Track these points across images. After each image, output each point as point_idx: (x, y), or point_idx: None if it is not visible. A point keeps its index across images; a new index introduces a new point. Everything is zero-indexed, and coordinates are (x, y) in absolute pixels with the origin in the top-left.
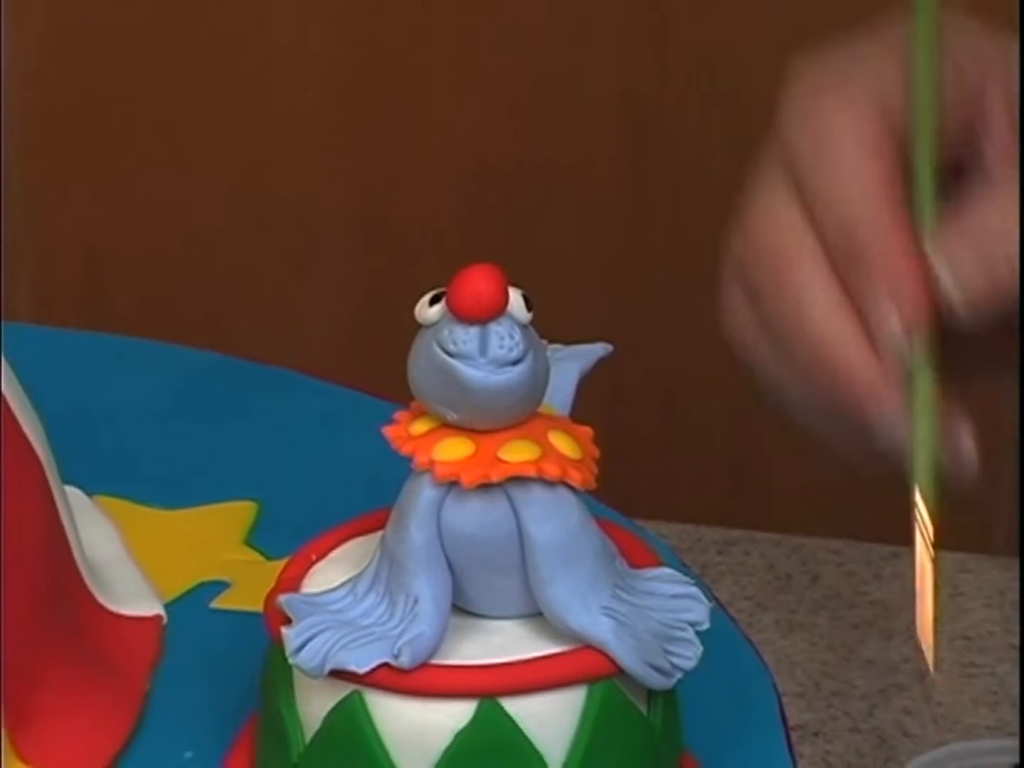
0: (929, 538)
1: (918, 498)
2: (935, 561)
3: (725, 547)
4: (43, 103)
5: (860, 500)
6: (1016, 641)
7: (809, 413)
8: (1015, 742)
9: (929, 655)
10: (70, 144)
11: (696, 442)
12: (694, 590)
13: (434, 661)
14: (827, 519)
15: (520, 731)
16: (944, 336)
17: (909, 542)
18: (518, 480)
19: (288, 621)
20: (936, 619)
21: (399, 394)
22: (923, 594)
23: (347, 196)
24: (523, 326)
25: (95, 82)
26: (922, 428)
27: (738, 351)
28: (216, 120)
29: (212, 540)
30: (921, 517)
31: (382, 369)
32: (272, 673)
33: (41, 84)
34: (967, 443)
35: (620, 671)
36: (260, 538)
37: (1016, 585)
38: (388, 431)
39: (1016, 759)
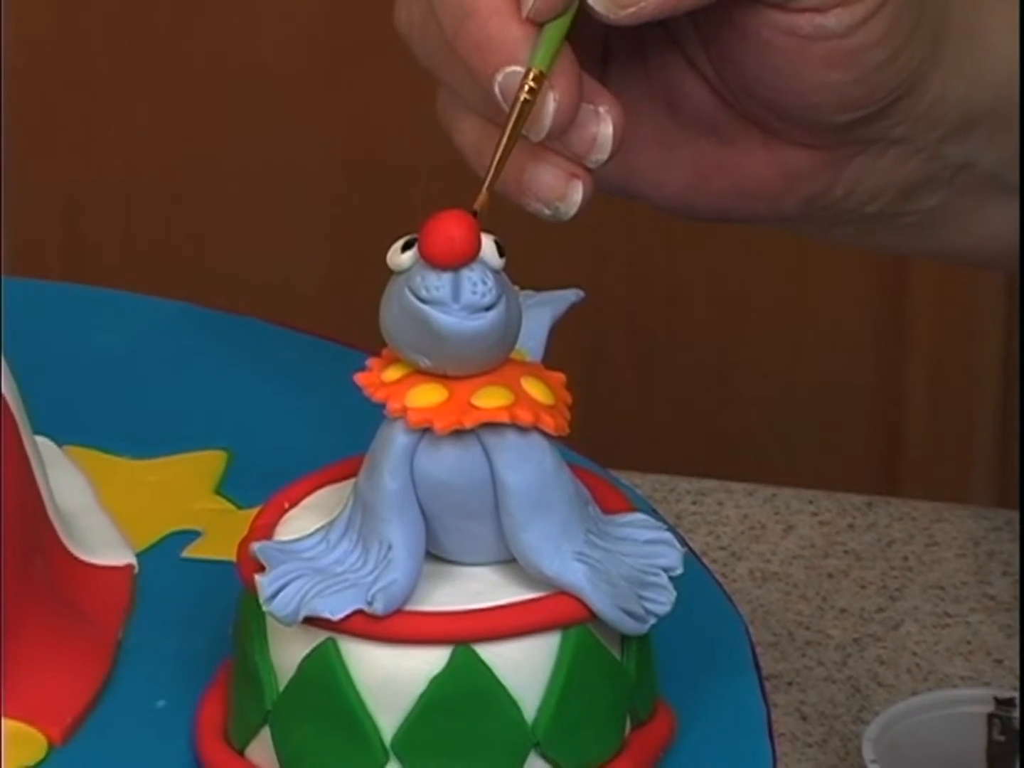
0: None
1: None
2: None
3: (699, 497)
4: (23, 55)
5: (834, 450)
6: (991, 591)
7: (469, 95)
8: (989, 691)
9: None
10: (50, 94)
11: (670, 392)
12: (667, 536)
13: (408, 607)
14: (801, 469)
15: (494, 676)
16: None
17: (884, 492)
18: (491, 426)
19: (261, 569)
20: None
21: (371, 342)
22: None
23: (323, 146)
24: (496, 272)
25: (75, 32)
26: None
27: (412, 48)
28: (197, 71)
29: (183, 489)
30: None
31: (354, 317)
32: (245, 621)
33: (20, 35)
34: (551, 104)
35: (594, 616)
36: (231, 487)
37: (991, 535)
38: (360, 378)
39: (990, 708)
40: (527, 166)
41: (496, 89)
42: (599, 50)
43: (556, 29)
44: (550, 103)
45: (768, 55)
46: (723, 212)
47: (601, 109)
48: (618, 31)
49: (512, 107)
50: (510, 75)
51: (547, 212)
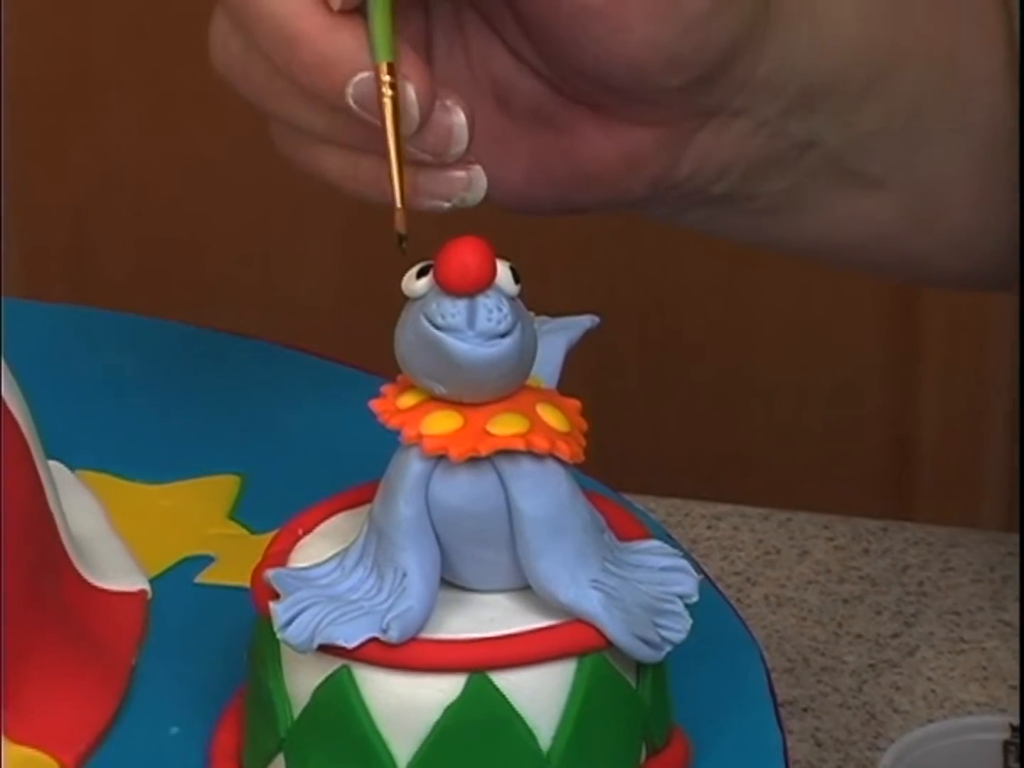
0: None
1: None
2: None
3: (714, 521)
4: (30, 70)
5: (849, 474)
6: (1007, 617)
7: (315, 125)
8: (1005, 718)
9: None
10: (58, 112)
11: (684, 416)
12: (683, 563)
13: (423, 635)
14: (816, 493)
15: (510, 705)
16: None
17: (896, 514)
18: (506, 453)
19: (275, 596)
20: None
21: (385, 368)
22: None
23: None
24: (511, 298)
25: (83, 47)
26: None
27: (235, 86)
28: (206, 87)
29: (196, 514)
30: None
31: (368, 342)
32: (259, 648)
33: (27, 51)
34: (411, 94)
35: (609, 644)
36: (244, 512)
37: (1007, 560)
38: (375, 404)
39: (1006, 735)
40: (416, 172)
41: (350, 101)
42: (422, 51)
43: (381, 17)
44: (410, 92)
45: (587, 20)
46: (567, 202)
47: (448, 102)
48: (438, 24)
49: (382, 109)
50: (360, 83)
51: (447, 206)
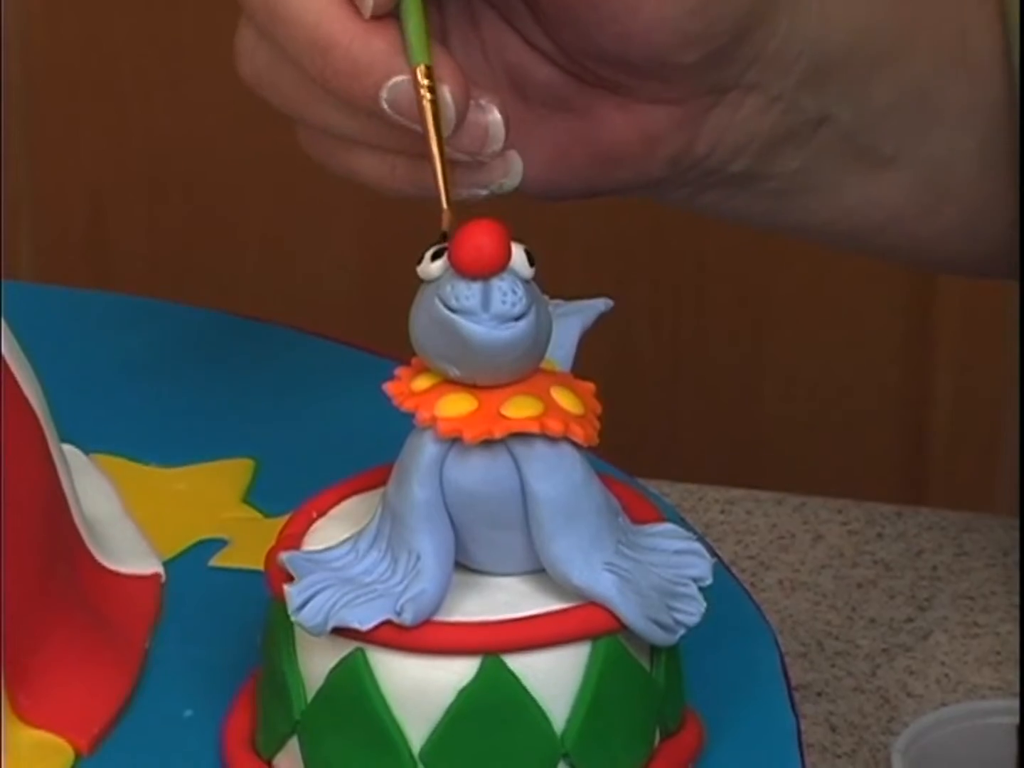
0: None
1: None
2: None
3: (727, 506)
4: (47, 57)
5: (863, 459)
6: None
7: (349, 129)
8: (1018, 702)
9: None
10: (74, 95)
11: (699, 400)
12: (697, 546)
13: (437, 618)
14: (830, 478)
15: (523, 688)
16: None
17: (910, 500)
18: (521, 436)
19: (290, 579)
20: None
21: (401, 351)
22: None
23: None
24: (525, 281)
25: (100, 33)
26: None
27: (265, 96)
28: (223, 72)
29: (210, 498)
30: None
31: (384, 326)
32: (273, 631)
33: (44, 37)
34: (447, 95)
35: (623, 627)
36: (258, 496)
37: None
38: (389, 387)
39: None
40: (454, 165)
41: (384, 106)
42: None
43: (415, 21)
44: (446, 94)
45: (602, 2)
46: (590, 186)
47: (482, 101)
48: (452, 20)
49: (423, 113)
50: (395, 87)
51: (484, 193)
